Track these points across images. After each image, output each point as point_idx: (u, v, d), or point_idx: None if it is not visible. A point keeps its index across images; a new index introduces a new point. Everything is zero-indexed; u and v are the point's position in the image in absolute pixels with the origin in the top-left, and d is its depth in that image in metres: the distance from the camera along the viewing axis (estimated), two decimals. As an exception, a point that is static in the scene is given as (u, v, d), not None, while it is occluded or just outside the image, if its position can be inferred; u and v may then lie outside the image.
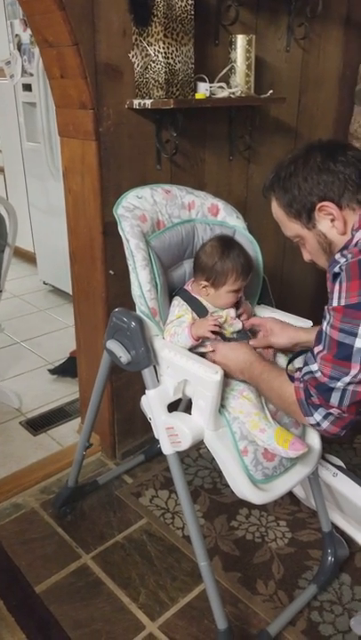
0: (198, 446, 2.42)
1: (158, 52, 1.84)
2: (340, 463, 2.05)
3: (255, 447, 1.47)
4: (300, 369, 1.34)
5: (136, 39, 1.88)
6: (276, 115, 2.51)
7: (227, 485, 1.52)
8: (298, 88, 2.56)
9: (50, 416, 2.73)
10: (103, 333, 1.66)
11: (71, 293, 2.35)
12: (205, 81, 2.05)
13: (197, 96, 1.99)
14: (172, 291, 1.70)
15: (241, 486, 1.46)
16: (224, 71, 2.14)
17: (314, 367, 1.25)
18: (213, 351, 1.57)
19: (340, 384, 1.19)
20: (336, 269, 1.21)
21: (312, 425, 1.29)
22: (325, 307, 1.25)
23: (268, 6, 2.28)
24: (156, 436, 1.55)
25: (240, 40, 2.09)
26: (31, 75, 3.71)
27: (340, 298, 1.18)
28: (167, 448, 1.52)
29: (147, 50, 1.87)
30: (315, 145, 1.35)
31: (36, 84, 3.64)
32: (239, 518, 2.10)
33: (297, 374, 1.33)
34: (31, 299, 4.24)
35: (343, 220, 1.29)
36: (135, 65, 1.92)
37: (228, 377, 1.51)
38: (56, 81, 1.95)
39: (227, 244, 1.65)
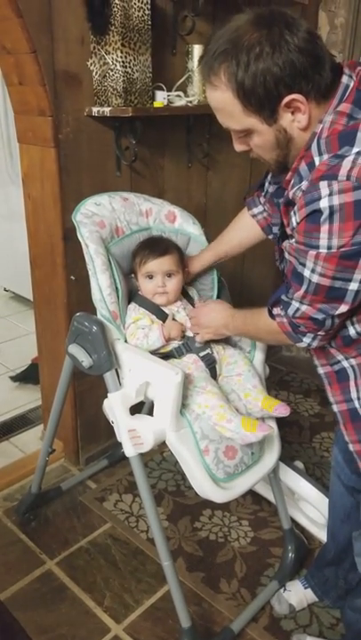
0: (162, 449, 2.44)
1: (116, 60, 1.87)
2: None
3: (216, 446, 1.50)
4: (277, 304, 1.30)
5: (94, 47, 1.90)
6: (233, 123, 2.55)
7: (190, 487, 1.54)
8: (254, 96, 2.61)
9: (12, 423, 2.72)
10: (65, 339, 1.67)
11: (32, 300, 2.35)
12: (163, 89, 2.09)
13: (155, 104, 2.03)
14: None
15: (203, 485, 1.48)
16: (181, 80, 2.19)
17: (296, 305, 1.21)
18: (194, 317, 1.66)
19: (328, 317, 1.17)
20: (321, 205, 1.04)
21: (303, 347, 1.29)
22: (296, 246, 1.13)
23: (224, 17, 2.31)
24: (119, 439, 1.57)
25: (197, 50, 2.13)
26: (-11, 81, 3.69)
27: (330, 239, 1.05)
28: (130, 450, 1.54)
29: (105, 58, 1.89)
30: (273, 15, 1.07)
31: (-6, 90, 3.63)
32: (202, 519, 2.13)
33: (276, 311, 1.31)
34: (-8, 306, 4.20)
35: (309, 114, 1.10)
36: (93, 73, 1.94)
37: (220, 335, 1.64)
38: (14, 88, 1.96)
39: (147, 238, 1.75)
